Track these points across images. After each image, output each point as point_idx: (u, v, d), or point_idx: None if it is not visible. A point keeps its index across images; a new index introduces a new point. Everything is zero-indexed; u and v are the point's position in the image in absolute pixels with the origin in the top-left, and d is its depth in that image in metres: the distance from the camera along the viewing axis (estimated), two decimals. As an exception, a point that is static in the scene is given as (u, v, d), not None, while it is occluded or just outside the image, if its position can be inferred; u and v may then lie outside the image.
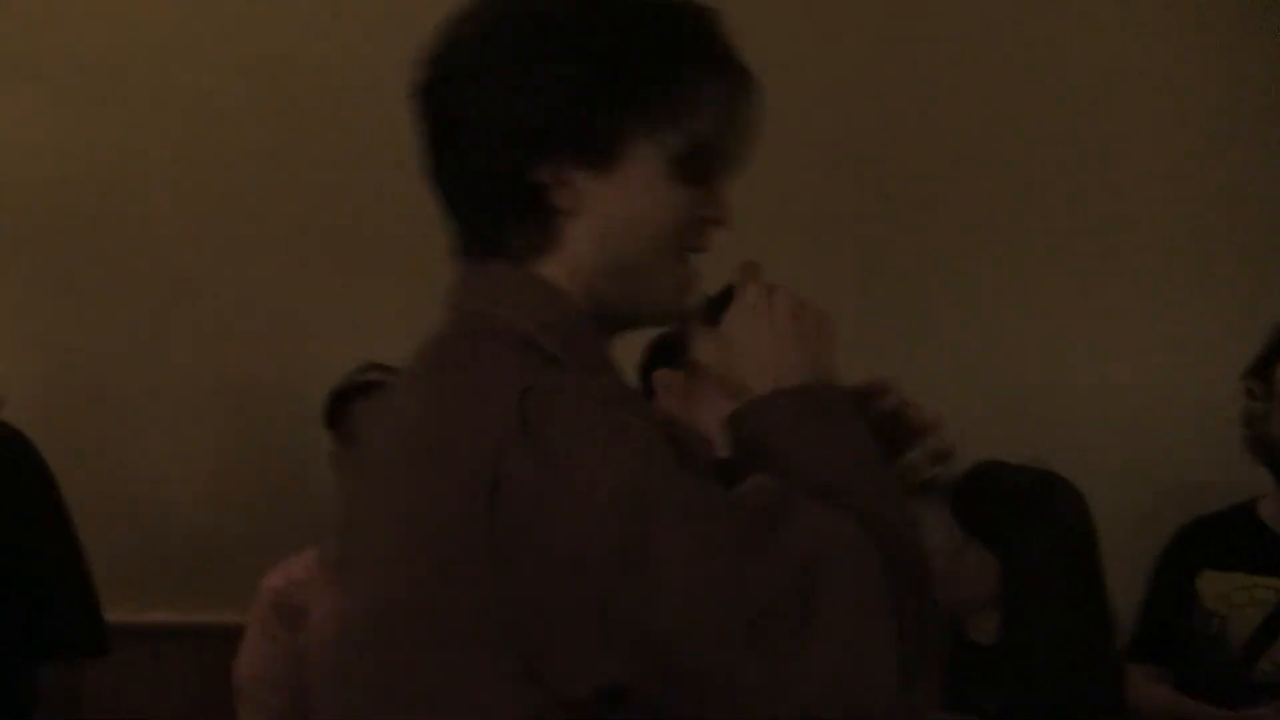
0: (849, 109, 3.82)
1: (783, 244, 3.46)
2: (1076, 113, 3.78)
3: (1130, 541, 3.19)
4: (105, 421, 4.02)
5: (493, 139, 1.51)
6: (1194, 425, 3.60)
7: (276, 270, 3.98)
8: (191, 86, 3.96)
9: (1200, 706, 3.15)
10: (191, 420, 4.02)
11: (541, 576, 1.37)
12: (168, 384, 4.00)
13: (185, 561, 3.96)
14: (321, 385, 3.50)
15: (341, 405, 3.43)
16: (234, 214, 3.98)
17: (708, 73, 1.53)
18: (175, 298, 3.97)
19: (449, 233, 1.56)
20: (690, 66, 1.52)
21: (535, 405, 1.41)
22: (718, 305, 1.58)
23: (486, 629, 1.39)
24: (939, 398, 1.70)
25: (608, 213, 1.53)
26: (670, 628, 1.34)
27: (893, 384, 1.62)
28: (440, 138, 1.55)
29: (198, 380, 4.01)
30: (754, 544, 1.36)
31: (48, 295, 3.98)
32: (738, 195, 1.60)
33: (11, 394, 3.19)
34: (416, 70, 1.55)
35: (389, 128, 3.89)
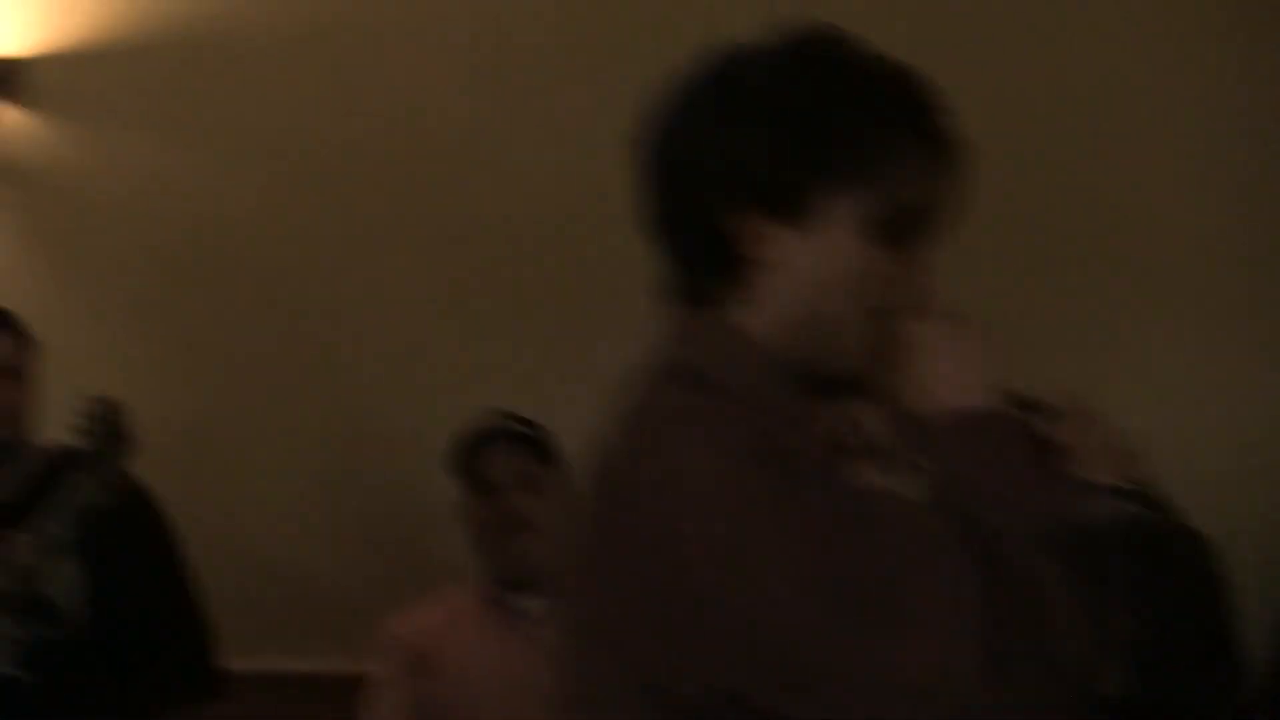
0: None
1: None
2: (1114, 152, 3.82)
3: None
4: (220, 467, 4.08)
5: (696, 192, 1.59)
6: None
7: (396, 317, 4.01)
8: (322, 137, 4.04)
9: None
10: (306, 467, 4.07)
11: (651, 580, 1.46)
12: (284, 430, 4.06)
13: (303, 609, 3.99)
14: (438, 432, 3.52)
15: (469, 453, 3.46)
16: (354, 261, 4.05)
17: (905, 137, 1.58)
18: (293, 343, 4.04)
19: (661, 280, 1.65)
20: (887, 130, 1.57)
21: (667, 425, 1.52)
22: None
23: (608, 638, 1.50)
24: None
25: (800, 268, 1.59)
26: (769, 623, 1.42)
27: (1078, 407, 1.65)
28: (652, 189, 1.63)
29: (314, 426, 4.06)
30: (848, 544, 1.44)
31: (165, 338, 4.07)
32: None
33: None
34: (638, 126, 1.64)
35: (511, 181, 3.97)
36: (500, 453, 3.50)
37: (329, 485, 4.07)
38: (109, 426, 3.27)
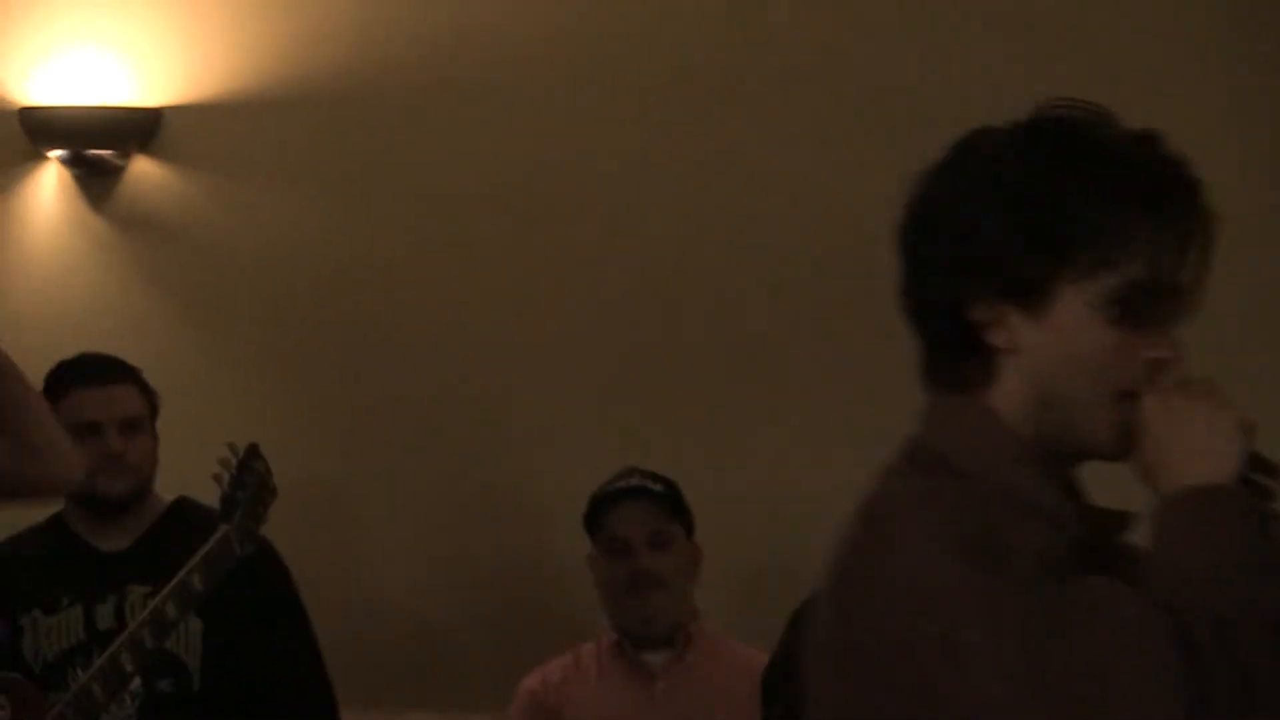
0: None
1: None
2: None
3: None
4: (346, 518, 4.17)
5: (941, 276, 1.64)
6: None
7: (532, 370, 4.09)
8: (465, 190, 4.12)
9: None
10: (433, 518, 4.15)
11: (878, 674, 1.55)
12: (411, 480, 4.14)
13: (434, 664, 4.06)
14: (569, 486, 3.55)
15: (602, 510, 3.52)
16: (488, 313, 4.11)
17: (1148, 218, 1.60)
18: (424, 394, 4.09)
19: (917, 363, 1.70)
20: (1129, 213, 1.60)
21: (901, 513, 1.59)
22: None
23: None
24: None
25: (1041, 352, 1.63)
26: (982, 711, 1.49)
27: None
28: (906, 273, 1.67)
29: (444, 483, 4.15)
30: (1059, 643, 1.50)
31: (297, 390, 4.15)
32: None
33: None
34: (896, 211, 1.69)
35: (664, 239, 3.93)
36: (632, 511, 3.58)
37: (454, 536, 4.15)
38: (254, 477, 3.32)
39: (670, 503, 3.62)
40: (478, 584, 4.13)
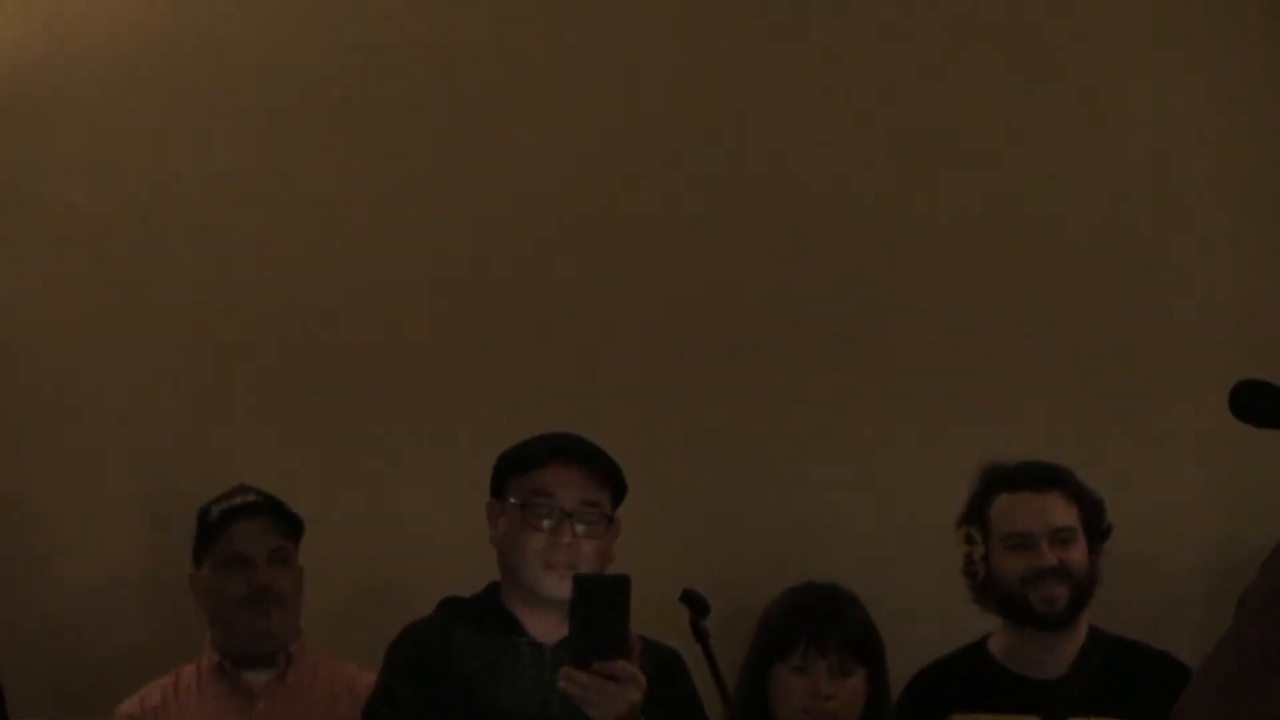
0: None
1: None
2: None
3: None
4: None
5: None
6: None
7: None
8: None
9: None
10: None
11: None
12: None
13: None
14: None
15: (219, 527, 3.72)
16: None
17: None
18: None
19: None
20: None
21: None
22: None
23: None
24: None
25: None
26: None
27: None
28: None
29: None
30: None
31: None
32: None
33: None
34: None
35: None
36: (250, 527, 3.65)
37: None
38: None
39: (290, 520, 3.70)
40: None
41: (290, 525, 3.77)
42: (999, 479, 3.48)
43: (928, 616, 3.65)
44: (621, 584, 3.01)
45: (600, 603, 3.00)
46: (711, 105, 4.28)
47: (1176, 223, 4.23)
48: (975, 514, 3.50)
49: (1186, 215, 4.23)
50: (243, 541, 3.67)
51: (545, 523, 3.19)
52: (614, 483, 3.28)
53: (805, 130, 4.29)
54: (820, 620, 3.30)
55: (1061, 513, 3.45)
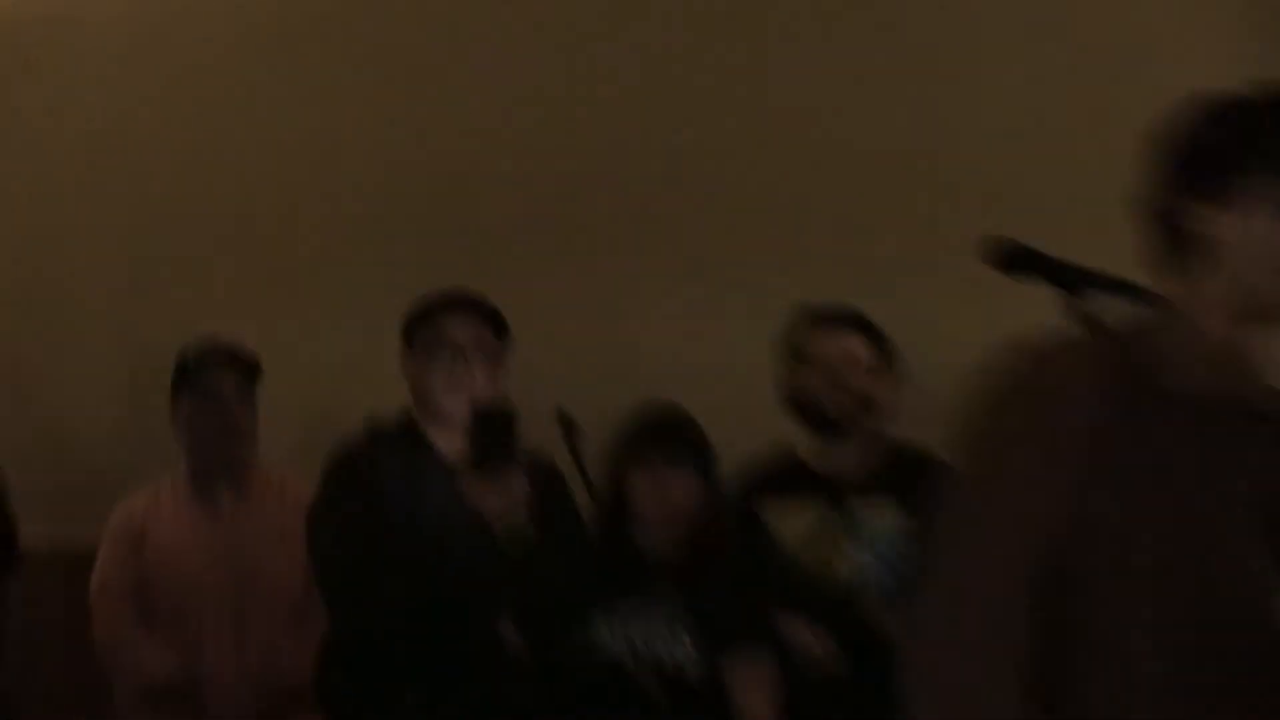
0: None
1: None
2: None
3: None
4: None
5: (1169, 186, 2.02)
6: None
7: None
8: None
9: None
10: None
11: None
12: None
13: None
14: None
15: (193, 370, 4.02)
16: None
17: None
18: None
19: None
20: None
21: (1036, 362, 2.00)
22: None
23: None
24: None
25: (1240, 245, 1.97)
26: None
27: None
28: (1149, 188, 2.04)
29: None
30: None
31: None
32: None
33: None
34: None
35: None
36: (219, 369, 3.95)
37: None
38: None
39: (250, 364, 3.97)
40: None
41: (251, 369, 3.99)
42: (811, 317, 3.79)
43: (750, 428, 3.75)
44: (508, 408, 3.29)
45: (492, 425, 3.28)
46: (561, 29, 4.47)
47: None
48: (791, 344, 3.78)
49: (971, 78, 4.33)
50: (213, 381, 3.93)
51: (445, 355, 3.46)
52: (498, 324, 3.49)
53: (647, 36, 4.49)
54: (663, 431, 3.56)
55: (860, 345, 3.74)
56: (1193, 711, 1.92)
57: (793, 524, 3.71)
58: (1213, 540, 1.96)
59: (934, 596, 1.97)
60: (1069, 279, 2.21)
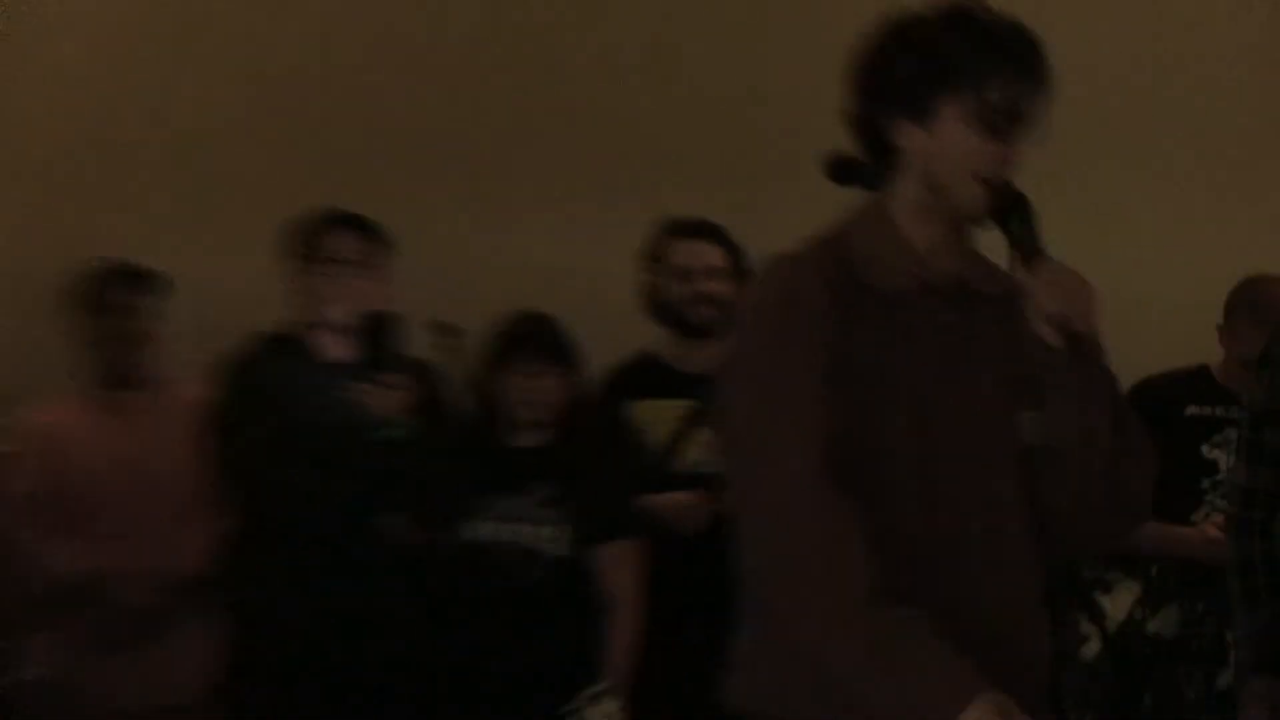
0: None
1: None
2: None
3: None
4: None
5: (867, 103, 2.19)
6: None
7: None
8: None
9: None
10: None
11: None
12: None
13: None
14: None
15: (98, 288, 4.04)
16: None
17: (1003, 63, 2.10)
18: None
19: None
20: (990, 57, 2.10)
21: (769, 269, 2.16)
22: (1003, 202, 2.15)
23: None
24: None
25: (929, 153, 2.15)
26: None
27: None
28: (849, 100, 2.21)
29: None
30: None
31: None
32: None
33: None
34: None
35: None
36: (132, 288, 3.99)
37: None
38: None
39: (158, 280, 3.99)
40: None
41: (162, 285, 4.02)
42: (671, 228, 3.99)
43: (613, 331, 3.94)
44: (395, 317, 3.46)
45: (376, 331, 3.44)
46: None
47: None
48: (653, 253, 3.98)
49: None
50: (128, 296, 3.98)
51: (331, 268, 3.59)
52: (377, 237, 3.62)
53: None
54: (528, 335, 3.70)
55: (715, 254, 3.94)
56: (941, 566, 2.16)
57: (655, 419, 3.87)
58: (925, 420, 2.17)
59: (741, 481, 2.14)
60: (881, 184, 2.30)
